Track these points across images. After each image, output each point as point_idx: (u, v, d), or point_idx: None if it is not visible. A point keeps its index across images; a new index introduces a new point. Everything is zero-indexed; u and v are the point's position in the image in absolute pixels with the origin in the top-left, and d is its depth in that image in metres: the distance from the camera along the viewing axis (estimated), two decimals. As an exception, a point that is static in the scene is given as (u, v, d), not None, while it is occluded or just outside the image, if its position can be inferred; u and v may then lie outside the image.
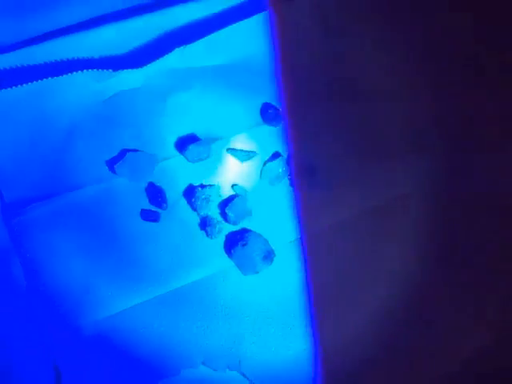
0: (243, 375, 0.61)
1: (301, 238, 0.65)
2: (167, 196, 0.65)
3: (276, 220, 0.65)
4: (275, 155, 0.69)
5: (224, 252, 0.64)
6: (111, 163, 0.66)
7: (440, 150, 0.70)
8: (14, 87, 0.67)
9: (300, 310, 0.63)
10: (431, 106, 0.72)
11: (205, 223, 0.64)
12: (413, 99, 0.72)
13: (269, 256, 0.62)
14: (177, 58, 0.72)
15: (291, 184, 0.67)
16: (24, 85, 0.67)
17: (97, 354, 0.60)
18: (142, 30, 0.72)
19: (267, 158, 0.69)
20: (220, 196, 0.66)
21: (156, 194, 0.65)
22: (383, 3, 0.74)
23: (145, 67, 0.71)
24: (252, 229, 0.64)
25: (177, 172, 0.67)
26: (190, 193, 0.65)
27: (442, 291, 0.66)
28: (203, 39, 0.72)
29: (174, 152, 0.68)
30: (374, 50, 0.74)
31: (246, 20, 0.72)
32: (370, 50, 0.74)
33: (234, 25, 0.72)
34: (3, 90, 0.67)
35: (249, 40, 0.74)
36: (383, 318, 0.65)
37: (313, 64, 0.75)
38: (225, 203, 0.65)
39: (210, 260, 0.63)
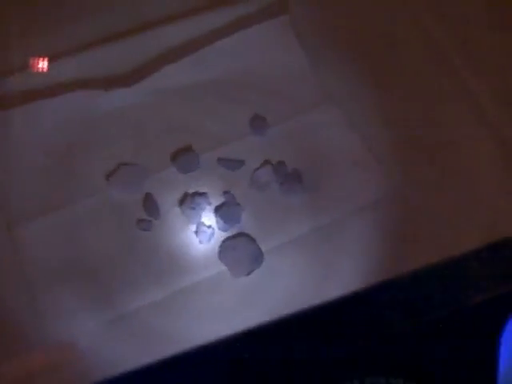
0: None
1: (288, 241, 0.67)
2: (160, 206, 0.68)
3: (265, 225, 0.68)
4: (263, 164, 0.71)
5: (216, 257, 0.66)
6: (107, 176, 0.69)
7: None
8: (12, 108, 0.71)
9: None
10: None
11: (196, 230, 0.67)
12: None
13: (257, 259, 0.65)
14: (166, 76, 0.75)
15: (279, 190, 0.70)
16: (22, 106, 0.71)
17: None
18: (132, 51, 0.76)
19: (255, 166, 0.71)
20: (210, 204, 0.68)
21: (150, 204, 0.68)
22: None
23: (135, 85, 0.74)
24: (241, 234, 0.67)
25: (169, 183, 0.70)
26: (182, 202, 0.68)
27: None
28: (190, 57, 0.76)
29: (166, 164, 0.71)
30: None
31: (230, 37, 0.76)
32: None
33: (219, 41, 0.76)
34: (2, 112, 0.70)
35: (234, 55, 0.78)
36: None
37: (296, 77, 0.79)
38: (215, 211, 0.68)
39: (202, 265, 0.65)
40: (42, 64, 0.74)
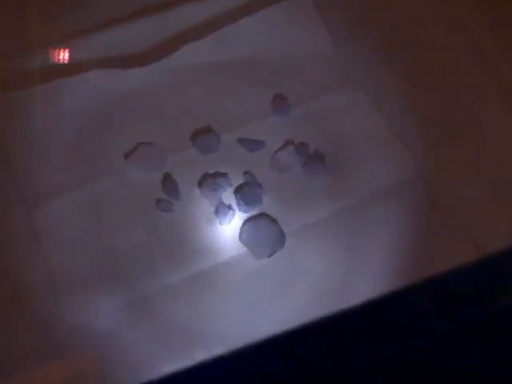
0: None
1: (310, 223, 0.65)
2: (180, 187, 0.66)
3: (286, 206, 0.66)
4: (284, 145, 0.70)
5: (237, 238, 0.64)
6: (126, 156, 0.68)
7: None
8: (31, 87, 0.69)
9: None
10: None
11: (217, 212, 0.65)
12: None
13: (280, 240, 0.63)
14: (185, 55, 0.74)
15: (301, 172, 0.68)
16: (38, 85, 0.70)
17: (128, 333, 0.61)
18: (150, 30, 0.75)
19: (276, 147, 0.70)
20: (230, 185, 0.67)
21: (169, 185, 0.66)
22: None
23: (154, 65, 0.73)
24: (262, 215, 0.65)
25: (189, 163, 0.68)
26: (202, 182, 0.66)
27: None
28: (210, 36, 0.74)
29: (185, 145, 0.69)
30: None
31: (251, 15, 0.74)
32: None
33: (240, 20, 0.74)
34: (21, 92, 0.69)
35: (255, 34, 0.76)
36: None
37: (320, 57, 0.77)
38: (235, 192, 0.66)
39: (223, 247, 0.64)
40: (62, 49, 0.73)
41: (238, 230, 0.64)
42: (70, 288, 0.62)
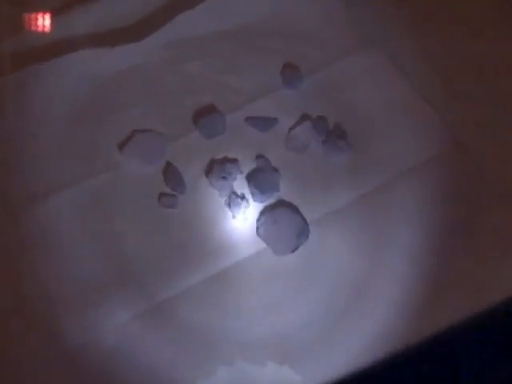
0: (288, 368, 0.53)
1: (336, 210, 0.57)
2: (184, 177, 0.58)
3: (307, 192, 0.58)
4: (300, 120, 0.61)
5: (254, 233, 0.56)
6: (121, 146, 0.59)
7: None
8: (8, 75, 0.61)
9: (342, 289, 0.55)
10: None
11: (228, 203, 0.57)
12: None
13: (303, 232, 0.55)
14: (180, 26, 0.65)
15: (320, 150, 0.60)
16: (19, 70, 0.62)
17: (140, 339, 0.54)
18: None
19: (291, 124, 0.61)
20: (242, 172, 0.59)
21: (172, 177, 0.58)
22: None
23: (145, 39, 0.64)
24: (281, 204, 0.57)
25: (192, 150, 0.60)
26: (209, 171, 0.58)
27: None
28: (207, 2, 0.66)
29: (187, 128, 0.61)
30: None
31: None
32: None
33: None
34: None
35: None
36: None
37: (331, 19, 0.68)
38: (248, 179, 0.58)
39: (238, 244, 0.56)
40: (42, 21, 0.64)
41: (254, 223, 0.56)
42: (72, 299, 0.54)
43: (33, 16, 0.64)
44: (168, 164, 0.59)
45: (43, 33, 0.65)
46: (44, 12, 0.65)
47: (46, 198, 0.58)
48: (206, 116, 0.61)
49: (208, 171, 0.59)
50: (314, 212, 0.57)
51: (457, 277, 0.54)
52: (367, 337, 0.53)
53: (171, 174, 0.58)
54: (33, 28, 0.64)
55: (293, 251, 0.55)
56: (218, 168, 0.58)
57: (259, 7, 0.66)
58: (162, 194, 0.57)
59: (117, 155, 0.59)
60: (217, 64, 0.64)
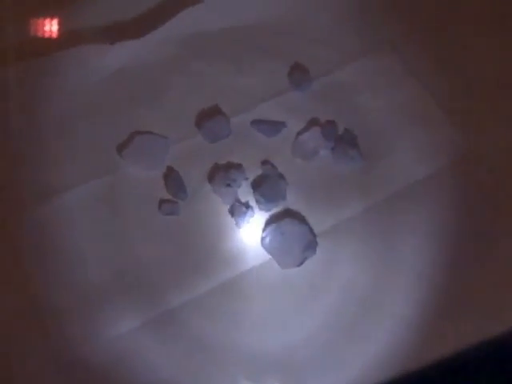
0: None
1: (345, 220, 0.55)
2: (186, 183, 0.56)
3: (315, 201, 0.55)
4: (308, 125, 0.58)
5: (258, 243, 0.53)
6: (120, 149, 0.57)
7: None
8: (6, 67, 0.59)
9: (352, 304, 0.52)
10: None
11: (232, 211, 0.54)
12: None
13: (310, 245, 0.52)
14: (183, 23, 0.62)
15: (329, 157, 0.57)
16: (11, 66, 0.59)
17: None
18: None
19: (299, 128, 0.58)
20: (247, 178, 0.56)
21: (173, 183, 0.55)
22: None
23: (149, 35, 0.61)
24: (288, 214, 0.54)
25: (195, 154, 0.58)
26: (213, 177, 0.55)
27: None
28: (211, -1, 0.62)
29: (190, 131, 0.58)
30: None
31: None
32: None
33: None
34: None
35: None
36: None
37: (342, 19, 0.65)
38: (253, 186, 0.55)
39: (242, 255, 0.53)
40: (40, 23, 0.61)
41: (259, 233, 0.53)
42: (76, 305, 0.52)
43: (35, 10, 0.61)
44: (169, 169, 0.56)
45: (44, 27, 0.61)
46: (46, 6, 0.62)
47: (44, 200, 0.55)
48: (209, 119, 0.58)
49: (211, 177, 0.56)
50: (322, 223, 0.54)
51: (467, 291, 0.52)
52: (374, 353, 0.51)
53: (172, 179, 0.56)
54: (34, 23, 0.61)
55: (299, 265, 0.52)
56: (221, 174, 0.55)
57: (269, 6, 0.63)
58: (162, 201, 0.55)
59: (115, 159, 0.57)
60: (222, 63, 0.61)
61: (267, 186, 0.55)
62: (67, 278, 0.52)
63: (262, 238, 0.53)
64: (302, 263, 0.52)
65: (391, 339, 0.51)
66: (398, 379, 0.50)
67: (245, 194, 0.56)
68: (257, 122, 0.58)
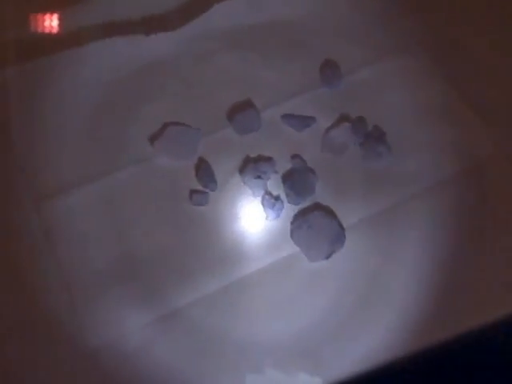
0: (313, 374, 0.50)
1: (373, 215, 0.55)
2: (217, 174, 0.56)
3: (343, 196, 0.56)
4: (338, 121, 0.59)
5: (287, 236, 0.54)
6: (152, 139, 0.57)
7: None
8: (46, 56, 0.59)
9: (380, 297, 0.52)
10: None
11: (262, 203, 0.55)
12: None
13: (339, 238, 0.53)
14: (217, 17, 0.63)
15: (359, 153, 0.57)
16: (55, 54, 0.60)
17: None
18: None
19: (329, 124, 0.59)
20: (276, 172, 0.56)
21: (204, 173, 0.56)
22: None
23: (182, 29, 0.62)
24: (316, 207, 0.55)
25: (226, 146, 0.58)
26: (243, 169, 0.56)
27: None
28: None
29: (221, 124, 0.59)
30: None
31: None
32: None
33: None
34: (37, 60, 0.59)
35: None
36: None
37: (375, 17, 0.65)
38: (283, 179, 0.56)
39: (270, 246, 0.54)
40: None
41: (287, 226, 0.54)
42: (90, 298, 0.52)
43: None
44: (200, 160, 0.57)
45: (70, 18, 0.62)
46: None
47: (72, 189, 0.56)
48: (241, 111, 0.58)
49: (241, 169, 0.56)
50: (350, 217, 0.55)
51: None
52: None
53: (203, 170, 0.56)
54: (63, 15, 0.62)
55: (327, 258, 0.52)
56: (252, 166, 0.56)
57: (302, 3, 0.64)
58: (193, 191, 0.55)
59: (147, 148, 0.57)
60: (254, 58, 0.62)
61: (297, 180, 0.55)
62: (82, 271, 0.52)
63: (291, 231, 0.53)
64: (329, 256, 0.52)
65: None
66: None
67: (275, 187, 0.56)
68: (287, 117, 0.59)
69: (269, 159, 0.57)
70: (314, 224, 0.53)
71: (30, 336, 0.50)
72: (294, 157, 0.57)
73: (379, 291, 0.53)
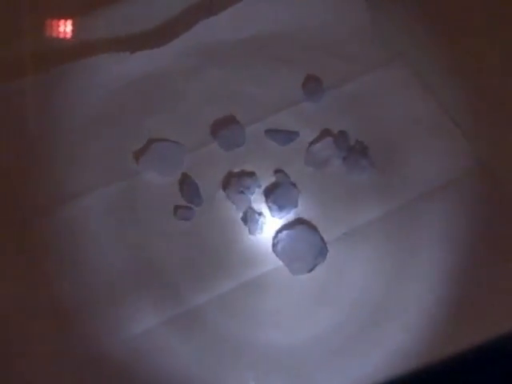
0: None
1: (355, 229, 0.56)
2: (201, 189, 0.57)
3: (326, 210, 0.57)
4: (321, 135, 0.60)
5: (270, 250, 0.55)
6: (137, 155, 0.58)
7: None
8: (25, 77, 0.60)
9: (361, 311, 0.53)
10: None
11: (245, 218, 0.56)
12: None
13: (321, 252, 0.54)
14: (202, 33, 0.63)
15: (341, 167, 0.58)
16: (36, 74, 0.60)
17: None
18: (160, 4, 0.64)
19: (312, 138, 0.60)
20: (260, 186, 0.57)
21: (189, 189, 0.57)
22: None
23: (167, 45, 0.63)
24: (299, 222, 0.55)
25: (210, 162, 0.59)
26: (227, 184, 0.57)
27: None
28: (230, 10, 0.64)
29: (206, 139, 0.60)
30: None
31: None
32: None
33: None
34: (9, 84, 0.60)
35: (283, 8, 0.65)
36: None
37: (357, 31, 0.66)
38: (265, 193, 0.57)
39: (254, 261, 0.55)
40: (60, 24, 0.63)
41: (271, 241, 0.55)
42: (99, 302, 0.53)
43: (51, 18, 0.63)
44: (184, 175, 0.58)
45: (61, 36, 0.63)
46: (63, 14, 0.63)
47: (56, 207, 0.56)
48: (225, 127, 0.59)
49: (225, 184, 0.57)
50: (332, 231, 0.56)
51: (478, 304, 0.52)
52: (380, 359, 0.51)
53: (188, 185, 0.57)
54: (51, 31, 0.63)
55: (309, 271, 0.53)
56: (235, 181, 0.57)
57: (284, 17, 0.64)
58: (177, 207, 0.56)
59: (132, 164, 0.58)
60: (237, 74, 0.63)
61: (279, 194, 0.56)
62: (89, 277, 0.54)
63: (274, 244, 0.54)
64: (311, 270, 0.53)
65: (399, 347, 0.52)
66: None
67: (258, 201, 0.57)
68: (271, 131, 0.60)
69: (252, 174, 0.58)
70: (297, 238, 0.54)
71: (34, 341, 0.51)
72: (278, 171, 0.58)
73: (363, 308, 0.53)
